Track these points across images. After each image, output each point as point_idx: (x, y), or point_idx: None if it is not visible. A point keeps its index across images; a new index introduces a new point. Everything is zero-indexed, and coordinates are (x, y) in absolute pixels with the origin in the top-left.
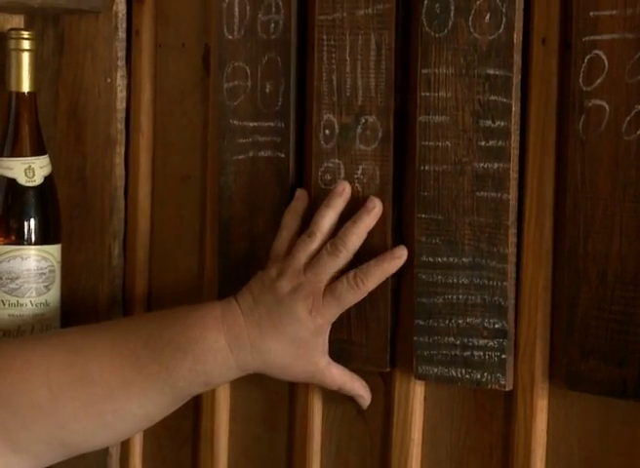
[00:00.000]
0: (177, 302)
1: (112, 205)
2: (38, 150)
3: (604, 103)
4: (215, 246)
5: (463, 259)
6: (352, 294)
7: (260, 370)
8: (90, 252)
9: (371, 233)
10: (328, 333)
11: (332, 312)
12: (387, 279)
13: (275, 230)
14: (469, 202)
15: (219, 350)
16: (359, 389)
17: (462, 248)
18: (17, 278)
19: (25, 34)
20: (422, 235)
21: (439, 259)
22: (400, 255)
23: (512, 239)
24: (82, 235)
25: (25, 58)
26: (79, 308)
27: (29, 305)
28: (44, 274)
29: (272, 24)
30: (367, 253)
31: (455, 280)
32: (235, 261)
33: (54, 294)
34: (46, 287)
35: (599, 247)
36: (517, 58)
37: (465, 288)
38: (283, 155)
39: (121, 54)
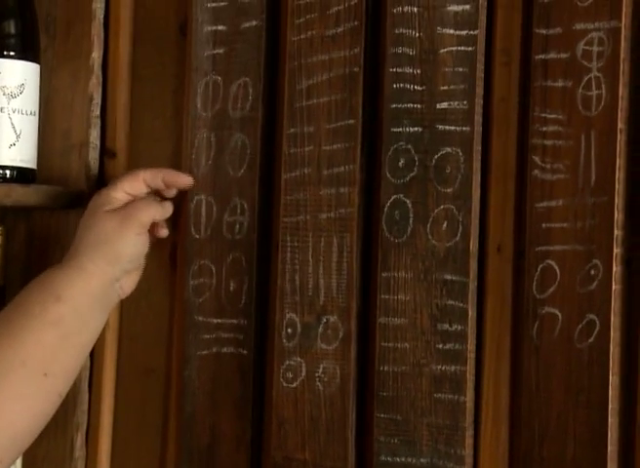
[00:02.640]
0: None
1: (76, 397)
2: None
3: (557, 311)
4: (177, 440)
5: (422, 460)
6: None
7: (95, 253)
8: (52, 443)
9: (332, 429)
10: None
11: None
12: None
13: (237, 426)
14: (427, 403)
15: (55, 267)
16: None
17: (421, 448)
18: None
19: None
20: (381, 435)
21: (397, 459)
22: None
23: (469, 441)
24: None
25: None
26: None
27: None
28: None
29: (237, 225)
30: (327, 457)
31: None
32: (197, 456)
33: None
34: None
35: (554, 452)
36: (473, 265)
37: None
38: (245, 352)
39: None
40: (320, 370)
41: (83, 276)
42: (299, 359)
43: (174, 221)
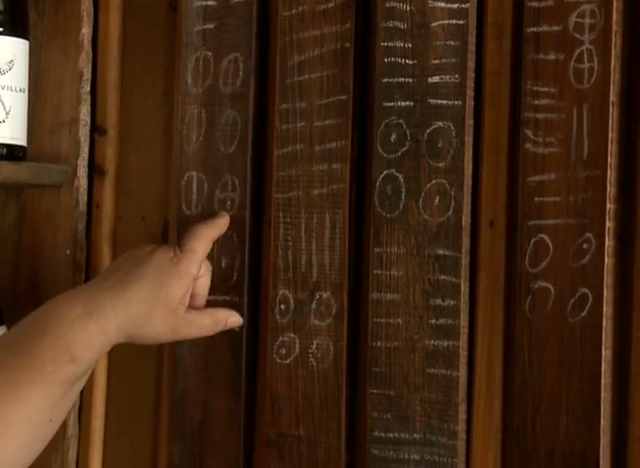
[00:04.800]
0: None
1: None
2: None
3: (549, 285)
4: (170, 417)
5: (415, 435)
6: (202, 242)
7: (125, 330)
8: None
9: (325, 405)
10: (190, 288)
11: (191, 259)
12: (340, 454)
13: (229, 402)
14: (420, 378)
15: (76, 318)
16: (227, 317)
17: (414, 424)
18: None
19: None
20: (374, 410)
21: (391, 435)
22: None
23: (462, 416)
24: None
25: None
26: None
27: None
28: None
29: (229, 202)
30: (322, 433)
31: (406, 455)
32: (190, 434)
33: None
34: None
35: (547, 426)
36: (466, 240)
37: (416, 464)
38: (237, 328)
39: (81, 227)
40: (314, 347)
41: (104, 342)
42: (292, 335)
43: (164, 198)
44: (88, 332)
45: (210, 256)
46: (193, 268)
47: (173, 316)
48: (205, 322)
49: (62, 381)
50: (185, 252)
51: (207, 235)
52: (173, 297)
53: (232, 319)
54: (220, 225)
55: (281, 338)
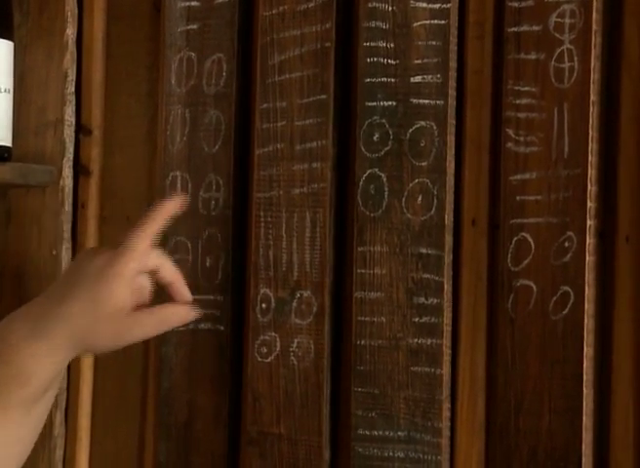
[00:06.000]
0: None
1: None
2: None
3: (531, 283)
4: (155, 415)
5: (399, 433)
6: (137, 239)
7: (74, 345)
8: None
9: (306, 404)
10: (128, 288)
11: (128, 256)
12: (321, 452)
13: (214, 401)
14: (404, 377)
15: (20, 339)
16: (174, 313)
17: (398, 422)
18: None
19: None
20: (359, 409)
21: (375, 433)
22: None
23: (446, 413)
24: None
25: None
26: None
27: None
28: None
29: (213, 201)
30: (302, 431)
31: (390, 453)
32: (175, 432)
33: None
34: None
35: (530, 423)
36: (448, 238)
37: (401, 461)
38: (222, 328)
39: (67, 227)
40: (294, 345)
41: (55, 361)
42: (273, 334)
43: (149, 198)
44: (36, 355)
45: (194, 256)
46: (133, 263)
47: (113, 322)
48: (146, 321)
49: (18, 404)
50: (121, 251)
51: (141, 232)
52: (116, 299)
53: (187, 314)
54: (157, 215)
55: (262, 337)
